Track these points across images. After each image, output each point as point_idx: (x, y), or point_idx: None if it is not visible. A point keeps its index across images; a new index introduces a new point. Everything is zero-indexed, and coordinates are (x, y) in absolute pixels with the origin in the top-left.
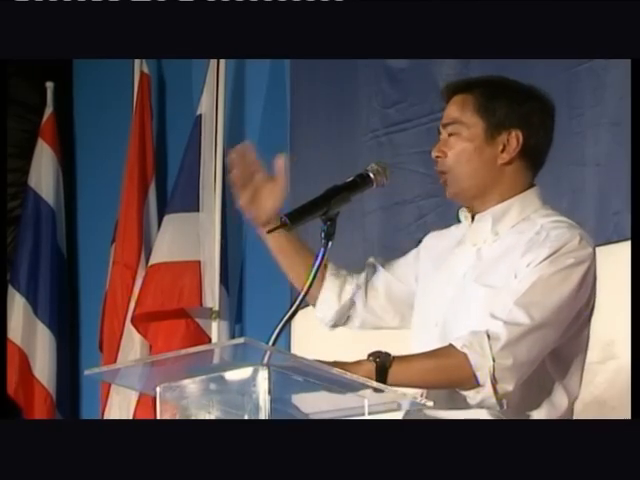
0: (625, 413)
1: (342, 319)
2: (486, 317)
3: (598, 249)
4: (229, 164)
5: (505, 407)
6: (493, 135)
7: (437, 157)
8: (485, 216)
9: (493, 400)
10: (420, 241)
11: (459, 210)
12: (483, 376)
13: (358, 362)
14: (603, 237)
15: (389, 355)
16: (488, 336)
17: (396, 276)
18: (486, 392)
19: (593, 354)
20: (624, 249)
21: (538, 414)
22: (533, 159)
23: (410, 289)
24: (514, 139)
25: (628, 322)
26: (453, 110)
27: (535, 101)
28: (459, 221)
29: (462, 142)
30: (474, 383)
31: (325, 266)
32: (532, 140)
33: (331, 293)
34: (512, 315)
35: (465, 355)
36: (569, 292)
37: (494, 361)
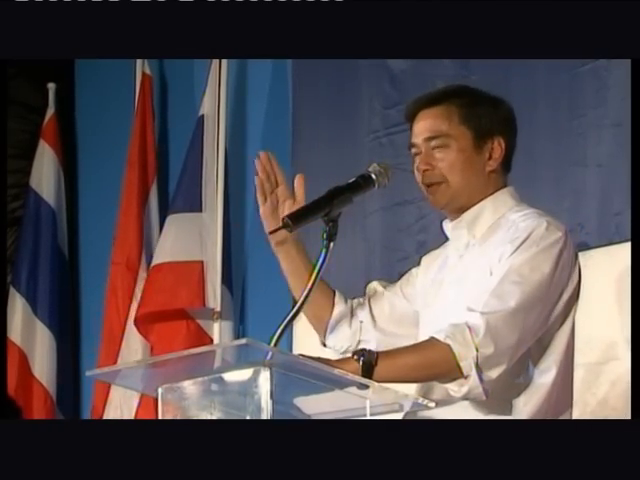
0: (625, 413)
1: (354, 344)
2: (463, 310)
3: (600, 250)
4: (256, 167)
5: (488, 396)
6: (480, 144)
7: (425, 170)
8: (460, 223)
9: (480, 390)
10: (419, 262)
11: (442, 223)
12: (467, 366)
13: (344, 360)
14: (605, 238)
15: (373, 352)
16: (468, 327)
17: (401, 295)
18: (472, 383)
19: (594, 355)
20: (626, 250)
21: (522, 395)
22: (508, 162)
23: (415, 308)
24: (498, 146)
25: (629, 322)
26: (436, 123)
27: (504, 104)
28: (441, 233)
29: (452, 153)
30: (458, 374)
31: (333, 292)
32: (510, 144)
33: (341, 321)
34: (488, 305)
35: (448, 346)
36: (542, 277)
37: (477, 351)
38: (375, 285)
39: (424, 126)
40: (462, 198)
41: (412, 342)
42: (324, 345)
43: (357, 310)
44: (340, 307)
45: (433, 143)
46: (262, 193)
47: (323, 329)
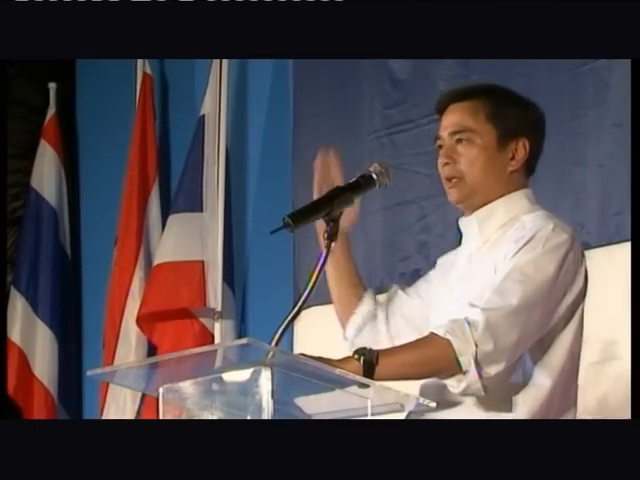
0: (625, 413)
1: (369, 344)
2: (464, 307)
3: (599, 250)
4: (314, 167)
5: (486, 392)
6: (503, 143)
7: (446, 164)
8: (471, 220)
9: (478, 385)
10: (435, 264)
11: (458, 221)
12: (466, 361)
13: (344, 360)
14: (605, 238)
15: (373, 351)
16: (468, 322)
17: (416, 295)
18: (470, 378)
19: (594, 354)
20: (625, 250)
21: (521, 395)
22: (532, 165)
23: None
24: (522, 147)
25: (628, 322)
26: (462, 118)
27: (535, 108)
28: (460, 232)
29: (474, 149)
30: (457, 369)
31: (364, 288)
32: (535, 148)
33: (364, 320)
34: (490, 302)
35: (448, 341)
36: (545, 277)
37: (476, 346)
38: (396, 289)
39: (451, 120)
40: (479, 195)
41: None
42: (344, 337)
43: (379, 313)
44: (366, 306)
45: (457, 137)
46: (318, 192)
47: (346, 322)
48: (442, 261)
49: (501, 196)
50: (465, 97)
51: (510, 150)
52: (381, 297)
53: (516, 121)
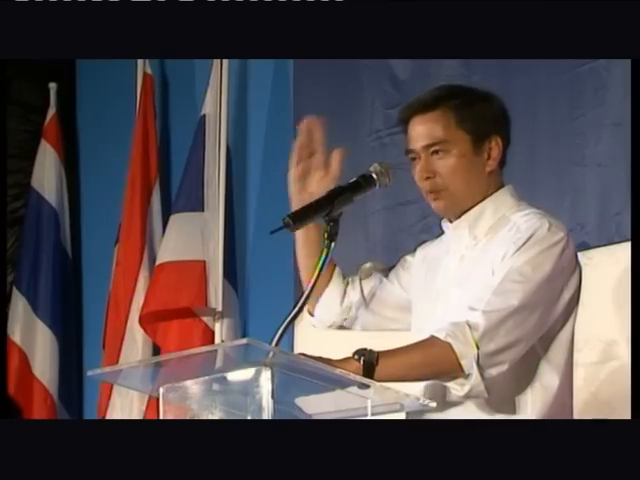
0: (625, 413)
1: (341, 322)
2: (463, 310)
3: (599, 250)
4: (299, 130)
5: (489, 394)
6: (478, 146)
7: (428, 178)
8: (461, 223)
9: (481, 387)
10: (415, 251)
11: (441, 221)
12: (468, 364)
13: (344, 360)
14: (604, 238)
15: (374, 352)
16: (468, 325)
17: (396, 282)
18: (473, 380)
19: (593, 354)
20: (625, 250)
21: (530, 395)
22: (504, 160)
23: (407, 295)
24: (496, 146)
25: (629, 322)
26: (433, 129)
27: (496, 100)
28: (443, 232)
29: (452, 159)
30: (459, 372)
31: (334, 267)
32: (506, 142)
33: (334, 296)
34: (490, 304)
35: (449, 344)
36: (543, 276)
37: (478, 348)
38: (369, 267)
39: (421, 132)
40: (465, 202)
41: (402, 326)
42: (311, 314)
43: (350, 289)
44: (336, 283)
45: (432, 150)
46: (298, 155)
47: (314, 299)
48: (423, 252)
49: (485, 197)
50: (429, 107)
51: (485, 150)
52: (353, 276)
53: (485, 121)
